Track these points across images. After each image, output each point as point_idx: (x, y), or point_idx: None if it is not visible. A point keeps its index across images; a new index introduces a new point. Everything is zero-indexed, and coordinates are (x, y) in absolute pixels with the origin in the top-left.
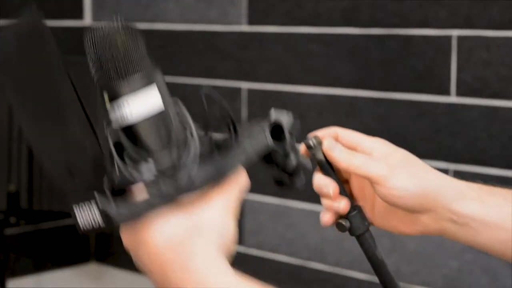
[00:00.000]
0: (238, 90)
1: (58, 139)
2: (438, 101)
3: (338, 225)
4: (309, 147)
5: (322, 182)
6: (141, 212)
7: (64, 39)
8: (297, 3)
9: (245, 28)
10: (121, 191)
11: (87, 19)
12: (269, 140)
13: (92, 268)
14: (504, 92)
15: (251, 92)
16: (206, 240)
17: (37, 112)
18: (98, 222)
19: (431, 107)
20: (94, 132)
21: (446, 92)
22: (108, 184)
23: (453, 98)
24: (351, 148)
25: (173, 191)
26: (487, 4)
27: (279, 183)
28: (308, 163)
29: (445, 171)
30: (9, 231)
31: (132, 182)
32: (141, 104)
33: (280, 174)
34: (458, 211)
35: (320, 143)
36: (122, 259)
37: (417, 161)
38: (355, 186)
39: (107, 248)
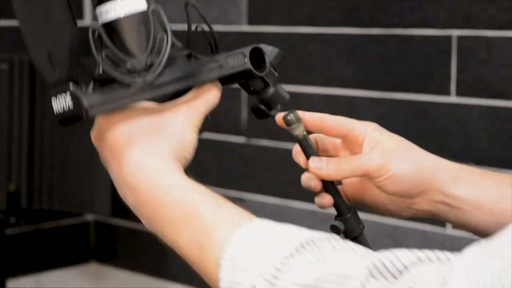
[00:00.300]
0: (238, 90)
1: (44, 31)
2: (438, 101)
3: (332, 227)
4: (287, 122)
5: (298, 151)
6: (108, 101)
7: None
8: (297, 3)
9: (245, 28)
10: (98, 84)
11: (87, 19)
12: (247, 61)
13: (92, 268)
14: (504, 92)
15: None
16: (162, 142)
17: (29, 5)
18: (69, 106)
19: (431, 107)
20: (75, 25)
21: (446, 92)
22: (82, 75)
23: (453, 98)
24: (343, 136)
25: (140, 86)
26: (487, 4)
27: (256, 111)
28: (286, 94)
29: None
30: (9, 231)
31: (107, 76)
32: (126, 4)
33: (257, 102)
34: (451, 193)
35: (298, 118)
36: (122, 259)
37: (410, 145)
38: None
39: (107, 248)
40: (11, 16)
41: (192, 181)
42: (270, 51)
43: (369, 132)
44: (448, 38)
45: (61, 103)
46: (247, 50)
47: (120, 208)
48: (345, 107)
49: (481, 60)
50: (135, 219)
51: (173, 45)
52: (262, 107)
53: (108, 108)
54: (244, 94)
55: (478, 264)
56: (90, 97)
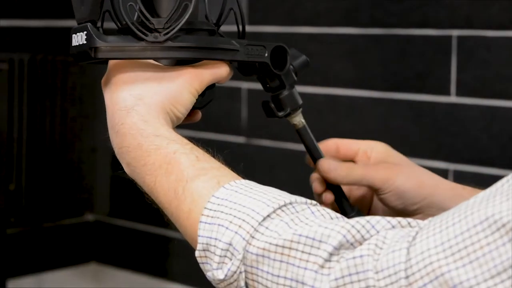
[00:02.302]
0: (238, 90)
1: None
2: (438, 101)
3: None
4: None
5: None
6: (118, 49)
7: (64, 39)
8: (297, 3)
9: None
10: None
11: None
12: (267, 55)
13: (92, 268)
14: (504, 92)
15: (251, 92)
16: (156, 94)
17: None
18: (83, 42)
19: (431, 107)
20: None
21: (446, 92)
22: (97, 17)
23: (453, 98)
24: (353, 155)
25: (151, 42)
26: (487, 4)
27: (265, 108)
28: (299, 100)
29: (445, 171)
30: (9, 230)
31: (126, 25)
32: None
33: (269, 100)
34: None
35: (296, 107)
36: (122, 259)
37: (413, 164)
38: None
39: (107, 248)
40: (11, 16)
41: (175, 133)
42: (297, 56)
43: (376, 148)
44: (448, 38)
45: (78, 39)
46: (271, 45)
47: (120, 208)
48: (345, 107)
49: (481, 60)
50: (135, 219)
51: (197, 17)
52: (272, 105)
53: (115, 55)
54: (244, 94)
55: (444, 225)
56: (103, 40)
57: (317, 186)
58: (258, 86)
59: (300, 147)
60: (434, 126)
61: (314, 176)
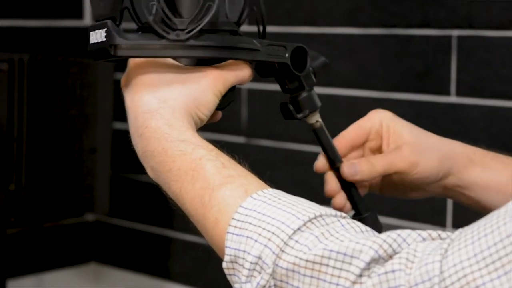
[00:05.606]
0: (238, 90)
1: None
2: (438, 101)
3: None
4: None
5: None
6: (139, 47)
7: (64, 39)
8: (297, 3)
9: (245, 28)
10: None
11: (87, 19)
12: (287, 55)
13: (92, 268)
14: (504, 92)
15: (251, 92)
16: (181, 97)
17: None
18: (102, 39)
19: (431, 107)
20: None
21: (446, 92)
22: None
23: (453, 98)
24: (365, 140)
25: (173, 41)
26: (487, 4)
27: (284, 110)
28: (317, 102)
29: None
30: (9, 230)
31: (147, 24)
32: None
33: (288, 101)
34: (465, 179)
35: (313, 107)
36: (122, 259)
37: (425, 133)
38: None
39: (107, 248)
40: (11, 16)
41: (200, 138)
42: (316, 57)
43: (385, 122)
44: (448, 38)
45: (97, 36)
46: (291, 45)
47: (120, 208)
48: (345, 107)
49: (481, 60)
50: (135, 219)
51: (218, 18)
52: (291, 107)
53: (135, 53)
54: (244, 94)
55: (476, 236)
56: (123, 37)
57: (332, 187)
58: (258, 86)
59: (300, 147)
60: (434, 126)
61: (329, 175)
